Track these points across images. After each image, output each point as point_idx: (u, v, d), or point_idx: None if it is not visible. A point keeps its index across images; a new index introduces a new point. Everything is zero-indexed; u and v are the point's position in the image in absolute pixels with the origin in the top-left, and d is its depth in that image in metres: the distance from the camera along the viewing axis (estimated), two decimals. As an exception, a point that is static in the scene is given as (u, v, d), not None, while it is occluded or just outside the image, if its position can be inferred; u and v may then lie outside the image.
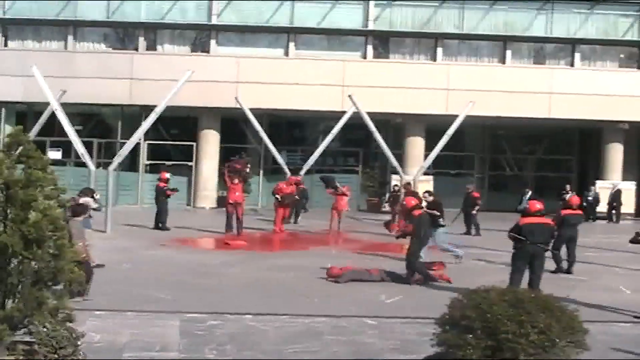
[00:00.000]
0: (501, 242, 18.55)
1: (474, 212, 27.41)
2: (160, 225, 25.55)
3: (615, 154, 38.45)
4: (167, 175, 27.46)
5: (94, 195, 18.93)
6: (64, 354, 7.55)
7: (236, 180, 25.30)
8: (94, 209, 18.19)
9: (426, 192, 21.01)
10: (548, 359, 7.65)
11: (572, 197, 20.52)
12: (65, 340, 7.59)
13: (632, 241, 15.67)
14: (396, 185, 31.42)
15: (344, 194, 27.39)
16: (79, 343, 7.76)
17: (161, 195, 26.07)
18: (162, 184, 26.55)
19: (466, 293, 8.36)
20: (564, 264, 18.11)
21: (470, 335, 7.65)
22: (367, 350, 10.68)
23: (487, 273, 17.22)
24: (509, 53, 38.42)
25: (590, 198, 36.44)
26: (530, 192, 29.49)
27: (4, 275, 7.66)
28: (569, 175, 41.30)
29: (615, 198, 36.41)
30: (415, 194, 19.80)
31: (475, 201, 27.69)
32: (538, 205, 14.70)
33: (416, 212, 17.04)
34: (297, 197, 27.94)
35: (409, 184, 27.28)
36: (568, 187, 37.45)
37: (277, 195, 26.01)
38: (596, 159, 39.55)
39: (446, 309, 8.25)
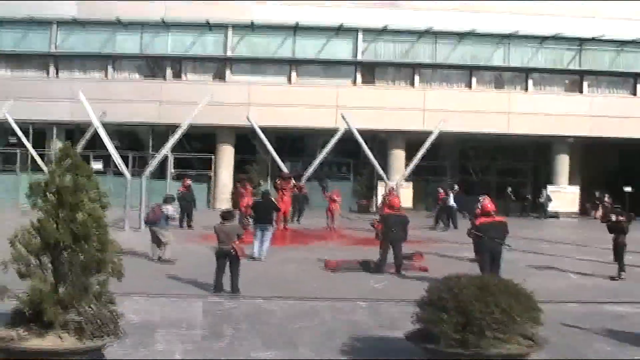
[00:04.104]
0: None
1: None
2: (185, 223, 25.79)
3: (563, 163, 38.53)
4: (189, 181, 27.70)
5: (173, 203, 18.45)
6: (107, 331, 7.57)
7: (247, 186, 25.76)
8: (169, 217, 17.71)
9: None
10: (509, 332, 7.69)
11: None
12: (108, 319, 7.61)
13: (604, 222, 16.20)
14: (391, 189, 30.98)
15: (331, 199, 27.07)
16: (119, 321, 7.78)
17: (181, 200, 25.61)
18: (181, 189, 26.91)
19: (442, 279, 8.38)
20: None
21: (445, 314, 7.67)
22: (358, 326, 10.69)
23: (458, 264, 17.23)
24: (474, 80, 38.52)
25: (542, 199, 36.73)
26: (454, 191, 29.94)
27: (58, 265, 7.69)
28: (525, 180, 41.50)
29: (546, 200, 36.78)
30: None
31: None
32: (491, 207, 14.35)
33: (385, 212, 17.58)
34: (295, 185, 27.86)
35: (392, 188, 27.27)
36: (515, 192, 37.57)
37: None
38: (547, 167, 39.60)
39: (425, 292, 8.27)
